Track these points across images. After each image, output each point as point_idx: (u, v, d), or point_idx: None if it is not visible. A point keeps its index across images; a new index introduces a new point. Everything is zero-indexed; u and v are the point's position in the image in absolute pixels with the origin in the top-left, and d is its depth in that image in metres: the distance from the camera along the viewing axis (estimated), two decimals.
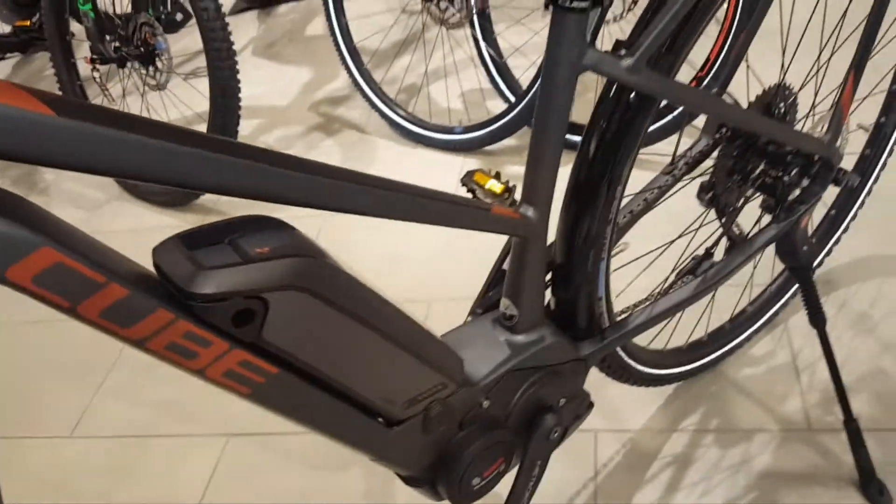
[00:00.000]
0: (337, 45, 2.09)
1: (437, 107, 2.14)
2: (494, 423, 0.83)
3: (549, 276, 0.90)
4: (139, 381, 1.50)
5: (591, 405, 0.95)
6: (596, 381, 1.17)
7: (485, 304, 0.90)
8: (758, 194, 1.01)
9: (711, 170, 1.03)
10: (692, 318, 1.23)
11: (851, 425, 1.04)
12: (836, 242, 1.30)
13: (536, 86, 1.71)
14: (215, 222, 0.60)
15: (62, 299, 0.49)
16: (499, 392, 0.82)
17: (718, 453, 1.13)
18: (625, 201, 0.99)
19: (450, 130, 1.96)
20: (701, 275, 0.96)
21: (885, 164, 1.26)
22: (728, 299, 1.26)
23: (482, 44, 1.96)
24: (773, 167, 0.97)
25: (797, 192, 1.00)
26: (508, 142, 1.91)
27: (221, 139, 0.53)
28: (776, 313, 1.28)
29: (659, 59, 0.77)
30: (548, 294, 0.91)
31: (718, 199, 1.04)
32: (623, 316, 0.95)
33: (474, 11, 1.90)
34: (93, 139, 0.46)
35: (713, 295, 1.20)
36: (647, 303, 0.95)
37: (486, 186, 0.82)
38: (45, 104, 0.45)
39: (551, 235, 0.87)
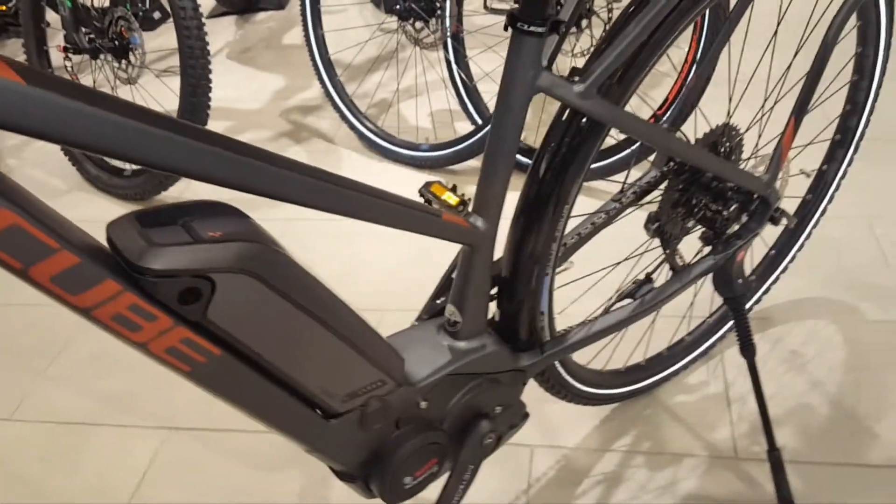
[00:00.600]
0: (312, 55, 2.12)
1: (405, 123, 2.18)
2: (430, 425, 0.86)
3: (495, 290, 0.94)
4: (84, 370, 1.49)
5: (526, 415, 0.98)
6: (536, 398, 1.21)
7: (431, 310, 0.93)
8: (699, 226, 1.06)
9: (658, 201, 1.09)
10: (632, 343, 1.28)
11: (774, 455, 1.08)
12: (776, 281, 1.36)
13: None
14: (172, 204, 0.62)
15: (14, 260, 0.50)
16: (437, 394, 0.85)
17: (647, 475, 1.16)
18: (574, 223, 1.03)
19: (416, 147, 2.00)
20: (639, 298, 1.00)
21: (824, 210, 1.32)
22: (668, 328, 1.30)
23: (454, 66, 2.00)
24: (714, 201, 1.02)
25: (735, 227, 1.05)
26: (472, 163, 1.96)
27: (178, 121, 0.55)
28: (712, 345, 1.33)
29: (609, 88, 0.81)
30: (493, 306, 0.94)
31: (663, 228, 1.09)
32: (563, 331, 0.98)
33: (448, 34, 1.95)
34: (56, 108, 0.48)
35: (653, 322, 1.25)
36: (588, 321, 0.99)
37: (442, 197, 0.85)
38: (15, 72, 0.47)
39: (500, 250, 0.91)
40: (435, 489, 0.91)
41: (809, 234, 1.34)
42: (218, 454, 1.29)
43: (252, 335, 0.64)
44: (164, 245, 0.57)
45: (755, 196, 1.03)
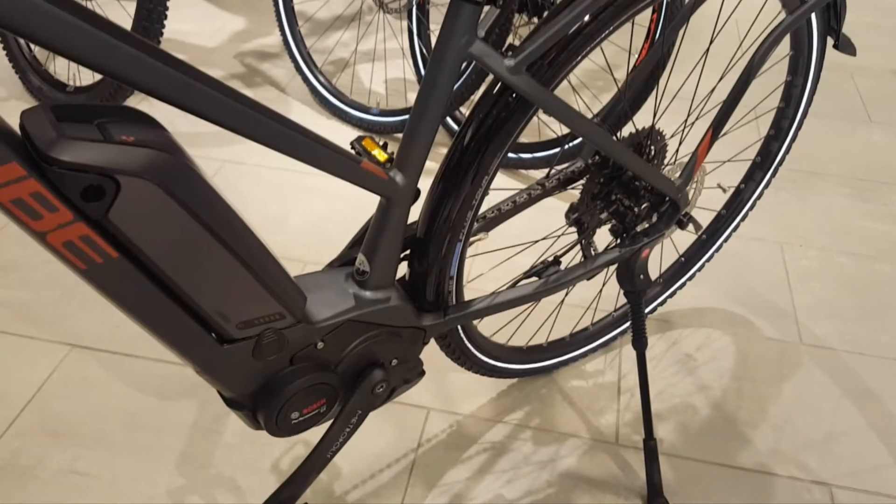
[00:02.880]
0: (276, 1, 2.10)
1: (359, 85, 2.18)
2: (324, 366, 0.88)
3: (407, 252, 0.97)
4: None
5: (422, 373, 1.01)
6: (440, 366, 1.25)
7: (343, 258, 0.96)
8: (612, 220, 1.11)
9: (580, 192, 1.13)
10: (536, 324, 1.33)
11: (650, 444, 1.15)
12: (681, 287, 1.42)
13: (456, 86, 1.79)
14: (91, 104, 0.63)
15: None
16: (335, 337, 0.88)
17: (531, 449, 1.22)
18: (496, 199, 1.07)
19: (366, 110, 2.01)
20: (545, 277, 1.04)
21: (737, 226, 1.39)
22: (573, 316, 1.36)
23: (416, 38, 2.02)
24: (628, 198, 1.06)
25: (645, 224, 1.10)
26: None
27: (121, 29, 0.57)
28: (613, 338, 1.38)
29: (540, 69, 0.85)
30: (405, 267, 0.98)
31: (581, 218, 1.14)
32: (470, 300, 1.02)
33: (414, 4, 1.96)
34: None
35: (559, 306, 1.30)
36: (494, 292, 1.03)
37: (372, 152, 0.88)
38: None
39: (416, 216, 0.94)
40: (320, 432, 0.94)
41: (719, 247, 1.41)
42: (116, 376, 1.30)
43: (151, 244, 0.65)
44: (74, 139, 0.58)
45: (667, 199, 1.09)
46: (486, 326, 1.19)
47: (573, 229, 1.14)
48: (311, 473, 0.94)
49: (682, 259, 1.40)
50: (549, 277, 1.04)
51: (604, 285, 1.33)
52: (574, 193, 1.11)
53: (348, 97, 2.05)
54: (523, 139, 1.89)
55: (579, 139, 1.80)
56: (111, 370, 1.31)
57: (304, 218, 1.69)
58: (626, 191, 1.06)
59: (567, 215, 1.16)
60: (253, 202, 1.72)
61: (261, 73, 2.24)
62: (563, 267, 1.06)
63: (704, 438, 1.25)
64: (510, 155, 1.85)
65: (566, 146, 1.79)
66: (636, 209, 1.06)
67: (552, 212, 1.25)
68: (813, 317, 1.49)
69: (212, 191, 0.68)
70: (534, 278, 1.06)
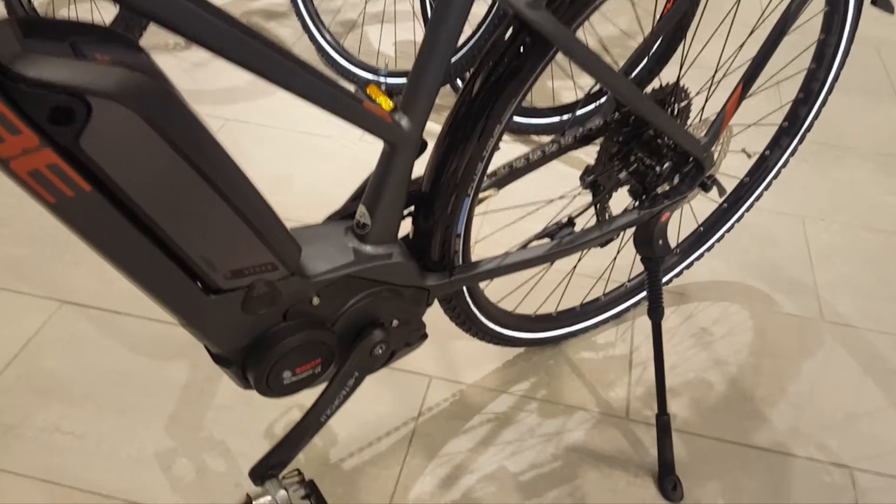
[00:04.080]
0: None
1: (367, 46, 2.11)
2: (320, 323, 0.83)
3: (412, 209, 0.91)
4: None
5: (424, 336, 0.96)
6: (444, 333, 1.19)
7: (344, 212, 0.90)
8: (631, 181, 1.04)
9: (596, 155, 1.07)
10: (545, 293, 1.27)
11: (663, 419, 1.09)
12: (699, 258, 1.36)
13: (465, 50, 1.72)
14: (66, 20, 0.57)
15: None
16: (332, 293, 0.82)
17: (537, 421, 1.16)
18: (509, 156, 1.00)
19: (374, 71, 1.93)
20: (558, 239, 0.98)
21: (760, 195, 1.32)
22: (584, 286, 1.30)
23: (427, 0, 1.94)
24: (650, 156, 1.00)
25: (666, 186, 1.03)
26: None
27: None
28: (626, 310, 1.32)
29: (561, 6, 0.78)
30: (408, 225, 0.91)
31: (597, 180, 1.07)
32: (476, 260, 0.96)
33: None
34: None
35: (571, 274, 1.24)
36: (503, 254, 0.96)
37: (377, 100, 0.81)
38: None
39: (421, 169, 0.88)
40: (315, 395, 0.89)
41: (741, 217, 1.34)
42: (107, 334, 1.25)
43: (127, 177, 0.59)
44: (41, 54, 0.52)
45: (691, 159, 1.02)
46: (494, 292, 1.13)
47: (584, 200, 1.07)
48: (304, 438, 0.89)
49: (702, 228, 1.34)
50: (562, 239, 0.98)
51: (618, 253, 1.26)
52: (580, 158, 1.05)
53: (356, 58, 1.97)
54: (535, 104, 1.82)
55: (593, 105, 1.73)
56: (102, 328, 1.26)
57: (308, 180, 1.63)
58: (647, 149, 1.00)
59: (582, 178, 1.09)
60: (256, 162, 1.66)
61: (268, 32, 2.16)
62: (577, 229, 1.00)
63: (719, 415, 1.19)
64: (518, 119, 1.77)
65: (578, 112, 1.72)
66: (658, 169, 0.99)
67: (567, 179, 1.19)
68: (835, 293, 1.43)
69: (197, 123, 0.62)
70: (546, 240, 1.00)
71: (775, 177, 1.31)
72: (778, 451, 1.15)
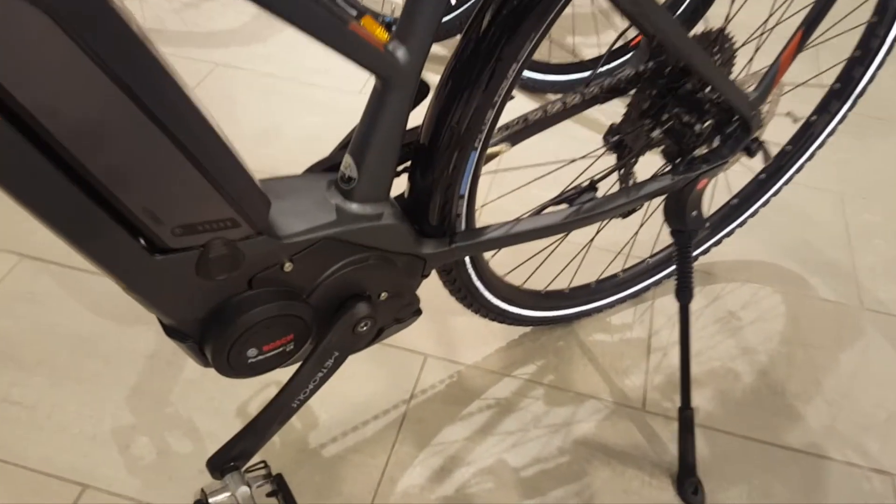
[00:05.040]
0: None
1: None
2: (292, 294, 0.70)
3: (407, 164, 0.77)
4: None
5: (418, 312, 0.83)
6: (441, 307, 1.06)
7: (328, 162, 0.76)
8: (664, 141, 0.90)
9: (626, 108, 0.93)
10: (558, 267, 1.13)
11: (686, 413, 0.96)
12: (729, 234, 1.22)
13: None
14: None
15: None
16: (308, 259, 0.69)
17: (543, 409, 1.04)
18: (524, 109, 0.86)
19: (380, 17, 1.78)
20: (577, 205, 0.84)
21: (801, 166, 1.18)
22: (600, 262, 1.16)
23: None
24: (689, 112, 0.86)
25: (704, 149, 0.90)
26: (434, 48, 1.75)
27: None
28: (646, 288, 1.19)
29: None
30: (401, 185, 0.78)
31: (623, 140, 0.93)
32: (482, 226, 0.83)
33: None
34: None
35: (587, 247, 1.11)
36: (513, 220, 0.83)
37: (374, 32, 0.67)
38: None
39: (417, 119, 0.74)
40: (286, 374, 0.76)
41: (778, 190, 1.20)
42: (69, 294, 1.12)
43: (42, 103, 0.46)
44: None
45: (735, 117, 0.88)
46: (500, 264, 1.00)
47: (604, 164, 0.94)
48: (272, 425, 0.77)
49: (735, 201, 1.20)
50: (582, 205, 0.84)
51: (641, 226, 1.13)
52: (601, 122, 0.91)
53: (360, 3, 1.82)
54: (550, 59, 1.67)
55: (616, 63, 1.58)
56: (64, 286, 1.13)
57: (301, 133, 1.49)
58: (686, 105, 0.86)
59: (605, 138, 0.95)
60: (245, 110, 1.52)
61: None
62: (599, 194, 0.86)
63: (747, 410, 1.07)
64: (532, 76, 1.62)
65: (600, 69, 1.57)
66: (697, 127, 0.85)
67: (588, 144, 1.05)
68: (876, 278, 1.29)
69: (136, 39, 0.48)
70: (563, 206, 0.86)
71: (820, 146, 1.17)
72: (812, 453, 1.02)
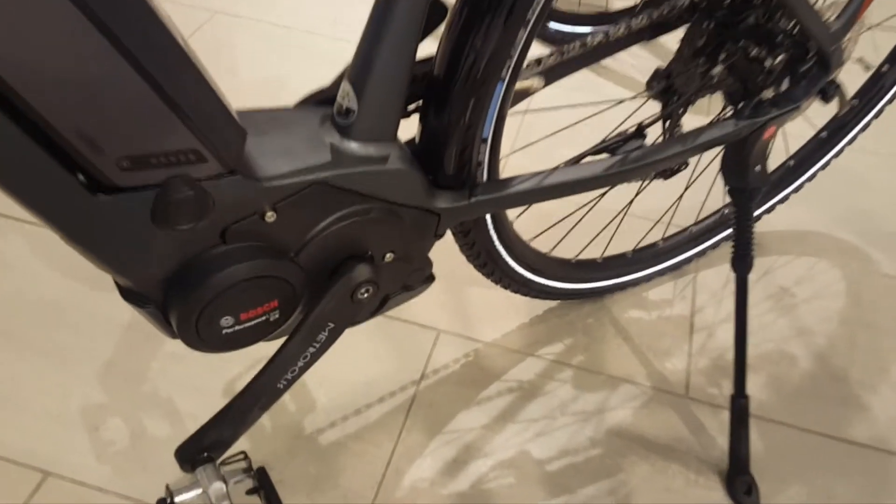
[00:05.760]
0: None
1: None
2: (277, 251, 0.57)
3: (419, 103, 0.64)
4: None
5: (430, 278, 0.70)
6: (456, 274, 0.93)
7: (322, 95, 0.63)
8: (724, 82, 0.76)
9: (678, 45, 0.79)
10: (590, 233, 1.00)
11: (740, 403, 0.83)
12: (783, 201, 1.08)
13: None
14: None
15: None
16: (295, 208, 0.56)
17: (571, 394, 0.91)
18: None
19: None
20: (621, 154, 0.71)
21: (867, 125, 1.04)
22: (636, 231, 1.03)
23: None
24: (757, 45, 0.72)
25: (772, 91, 0.76)
26: None
27: None
28: (688, 260, 1.06)
29: None
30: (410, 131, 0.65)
31: (673, 84, 0.80)
32: (507, 178, 0.69)
33: None
34: None
35: (626, 209, 0.97)
36: (545, 171, 0.70)
37: None
38: None
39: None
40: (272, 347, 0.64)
41: (840, 151, 1.06)
42: (38, 253, 1.00)
43: None
44: None
45: (810, 54, 0.74)
46: (524, 228, 0.87)
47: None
48: (252, 409, 0.64)
49: (792, 162, 1.05)
50: (628, 154, 0.71)
51: (686, 188, 0.99)
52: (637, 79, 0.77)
53: None
54: (580, 7, 1.52)
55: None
56: (32, 244, 1.01)
57: (304, 86, 1.33)
58: (754, 37, 0.72)
59: (650, 83, 0.82)
60: (247, 61, 1.38)
61: None
62: (648, 142, 0.73)
63: (804, 400, 0.93)
64: (556, 27, 1.47)
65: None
66: (768, 62, 0.71)
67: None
68: None
69: None
70: (604, 155, 0.73)
71: (889, 102, 1.03)
72: (878, 448, 0.89)
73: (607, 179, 0.70)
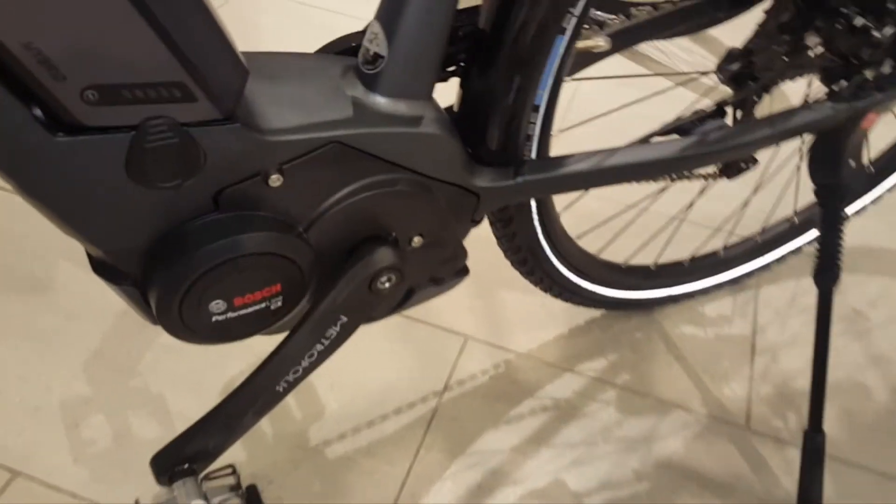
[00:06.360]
0: None
1: None
2: (282, 223, 0.47)
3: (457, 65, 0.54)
4: None
5: (463, 271, 0.60)
6: (490, 276, 0.83)
7: (344, 44, 0.53)
8: (817, 62, 0.65)
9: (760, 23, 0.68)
10: (642, 237, 0.89)
11: (816, 439, 0.71)
12: (858, 212, 0.96)
13: None
14: None
15: None
16: (307, 171, 0.46)
17: (615, 417, 0.80)
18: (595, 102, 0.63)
19: None
20: (698, 135, 0.60)
21: None
22: (693, 238, 0.92)
23: None
24: (862, 14, 0.61)
25: (875, 70, 0.64)
26: None
27: None
28: (750, 273, 0.94)
29: None
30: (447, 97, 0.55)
31: (751, 64, 0.69)
32: (559, 156, 0.59)
33: None
34: None
35: (687, 212, 0.86)
36: (605, 150, 0.59)
37: None
38: None
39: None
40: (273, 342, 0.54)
41: None
42: (24, 228, 0.91)
43: None
44: None
45: None
46: (570, 225, 0.76)
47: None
48: (245, 415, 0.54)
49: (872, 169, 0.93)
50: (706, 135, 0.60)
51: (755, 191, 0.88)
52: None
53: None
54: None
55: None
56: (17, 218, 0.92)
57: None
58: (859, 2, 0.61)
59: (721, 67, 0.71)
60: (268, 39, 1.30)
61: None
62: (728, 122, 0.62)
63: (882, 438, 0.81)
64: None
65: None
66: (876, 35, 0.60)
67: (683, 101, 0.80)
68: None
69: None
70: (674, 136, 0.62)
71: None
72: None
73: (681, 163, 0.59)
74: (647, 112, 0.72)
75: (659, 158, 0.58)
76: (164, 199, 0.42)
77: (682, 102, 0.75)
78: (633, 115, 0.73)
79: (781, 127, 0.61)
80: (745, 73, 0.71)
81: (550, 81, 0.54)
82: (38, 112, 0.37)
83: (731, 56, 0.71)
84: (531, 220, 0.66)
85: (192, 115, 0.40)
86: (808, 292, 0.97)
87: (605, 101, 0.76)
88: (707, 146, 0.59)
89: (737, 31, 0.70)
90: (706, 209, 0.91)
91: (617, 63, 1.21)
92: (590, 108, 0.74)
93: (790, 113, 0.63)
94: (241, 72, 0.41)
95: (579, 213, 0.77)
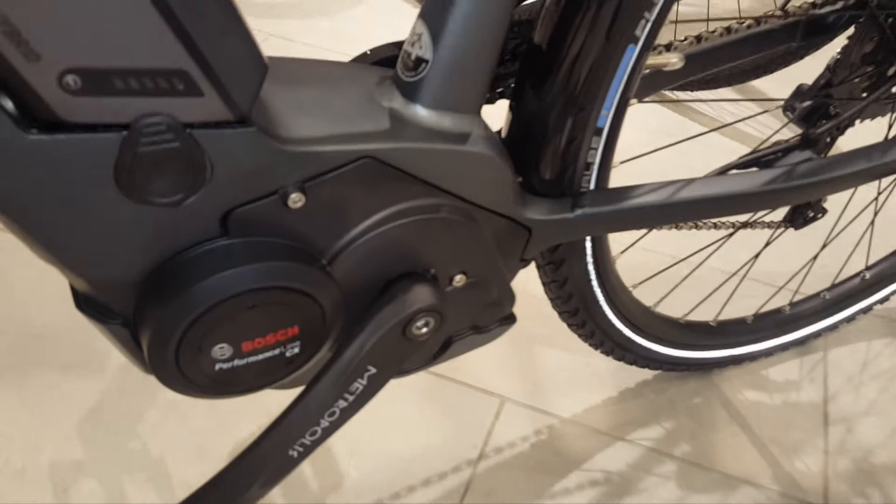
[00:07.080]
0: None
1: None
2: (303, 253, 0.39)
3: (510, 78, 0.47)
4: None
5: (509, 319, 0.51)
6: (533, 331, 0.74)
7: (382, 54, 0.46)
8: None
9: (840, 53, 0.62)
10: (704, 290, 0.80)
11: None
12: None
13: None
14: None
15: None
16: (333, 190, 0.38)
17: (676, 494, 0.69)
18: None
19: None
20: (782, 168, 0.52)
21: None
22: (756, 295, 0.83)
23: None
24: None
25: None
26: None
27: None
28: (817, 334, 0.85)
29: None
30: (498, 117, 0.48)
31: (829, 97, 0.61)
32: (621, 186, 0.51)
33: None
34: None
35: (750, 265, 0.77)
36: (674, 182, 0.51)
37: None
38: None
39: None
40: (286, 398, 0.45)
41: None
42: (21, 271, 0.84)
43: None
44: None
45: None
46: (628, 270, 0.67)
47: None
48: (251, 487, 0.45)
49: None
50: (794, 169, 0.52)
51: (824, 247, 0.79)
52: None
53: None
54: None
55: None
56: (12, 258, 0.86)
57: None
58: None
59: (789, 104, 0.64)
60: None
61: None
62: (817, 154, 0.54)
63: None
64: None
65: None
66: None
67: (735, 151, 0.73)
68: None
69: None
70: (753, 169, 0.54)
71: None
72: None
73: (767, 197, 0.51)
74: (691, 163, 0.65)
75: (741, 192, 0.50)
76: (160, 218, 0.35)
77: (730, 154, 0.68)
78: (675, 165, 0.66)
79: (878, 160, 0.53)
80: (820, 110, 0.64)
81: (616, 100, 0.47)
82: (6, 102, 0.30)
83: (799, 93, 0.64)
84: (585, 263, 0.57)
85: (196, 113, 0.33)
86: (881, 354, 0.87)
87: (642, 149, 0.69)
88: (796, 179, 0.51)
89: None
90: (765, 266, 0.82)
91: (660, 117, 1.14)
92: (625, 154, 0.67)
93: (889, 144, 0.55)
94: (260, 65, 0.34)
95: (626, 266, 0.69)
